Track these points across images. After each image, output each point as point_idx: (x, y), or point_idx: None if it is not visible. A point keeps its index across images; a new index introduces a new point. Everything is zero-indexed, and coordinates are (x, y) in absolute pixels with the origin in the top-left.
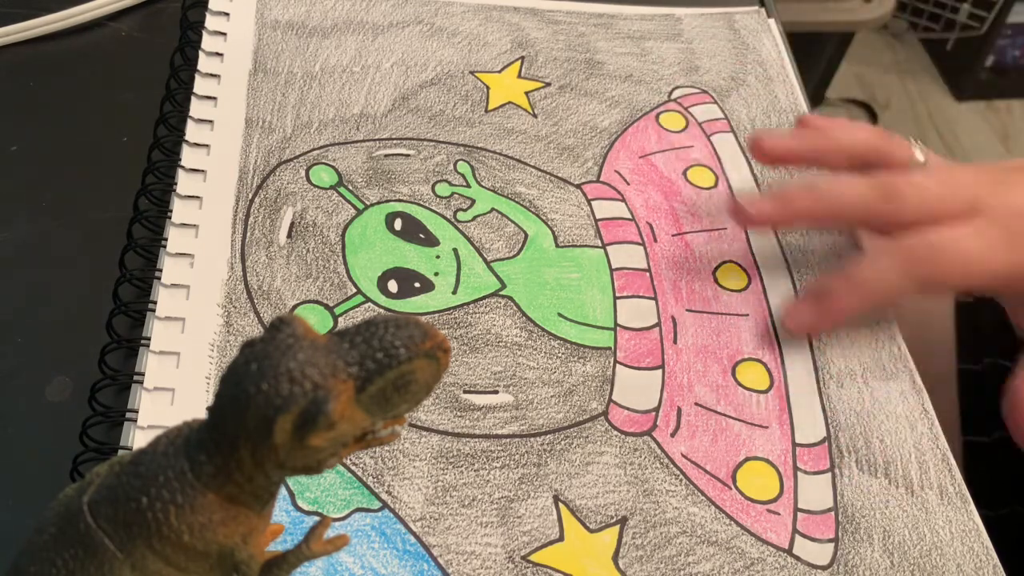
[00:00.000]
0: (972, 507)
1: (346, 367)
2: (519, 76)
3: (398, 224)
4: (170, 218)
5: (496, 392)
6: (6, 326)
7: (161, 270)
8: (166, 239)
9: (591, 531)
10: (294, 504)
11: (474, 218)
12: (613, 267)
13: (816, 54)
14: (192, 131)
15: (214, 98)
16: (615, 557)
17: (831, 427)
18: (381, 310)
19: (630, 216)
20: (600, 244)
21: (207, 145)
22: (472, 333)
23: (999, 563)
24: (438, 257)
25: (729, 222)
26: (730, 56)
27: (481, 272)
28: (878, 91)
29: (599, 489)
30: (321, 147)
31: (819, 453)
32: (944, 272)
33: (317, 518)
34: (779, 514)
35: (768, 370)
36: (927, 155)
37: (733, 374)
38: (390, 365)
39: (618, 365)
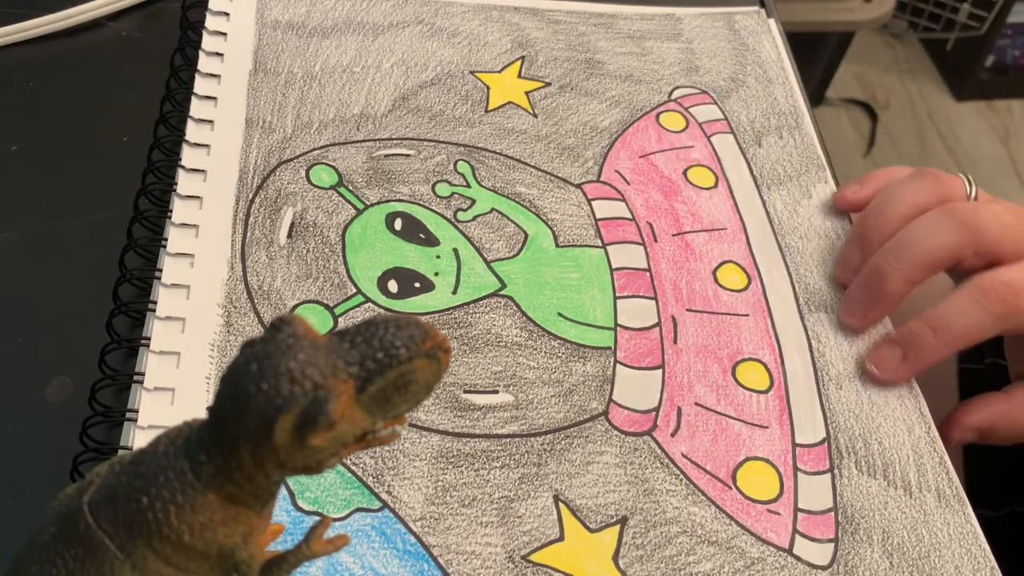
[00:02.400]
0: (969, 510)
1: (346, 367)
2: (519, 76)
3: (398, 224)
4: (170, 218)
5: (496, 392)
6: (6, 326)
7: (161, 270)
8: (166, 239)
9: (591, 531)
10: (294, 504)
11: (474, 218)
12: (613, 267)
13: (816, 54)
14: (192, 131)
15: (214, 98)
16: (615, 557)
17: (831, 428)
18: (381, 310)
19: (630, 216)
20: (600, 244)
21: (207, 145)
22: (472, 333)
23: (996, 565)
24: (438, 257)
25: (729, 222)
26: (730, 56)
27: (481, 272)
28: (878, 91)
29: (599, 489)
30: (321, 147)
31: (819, 454)
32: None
33: (317, 518)
34: (779, 514)
35: (768, 370)
36: (979, 192)
37: (733, 374)
38: (390, 365)
39: (618, 365)
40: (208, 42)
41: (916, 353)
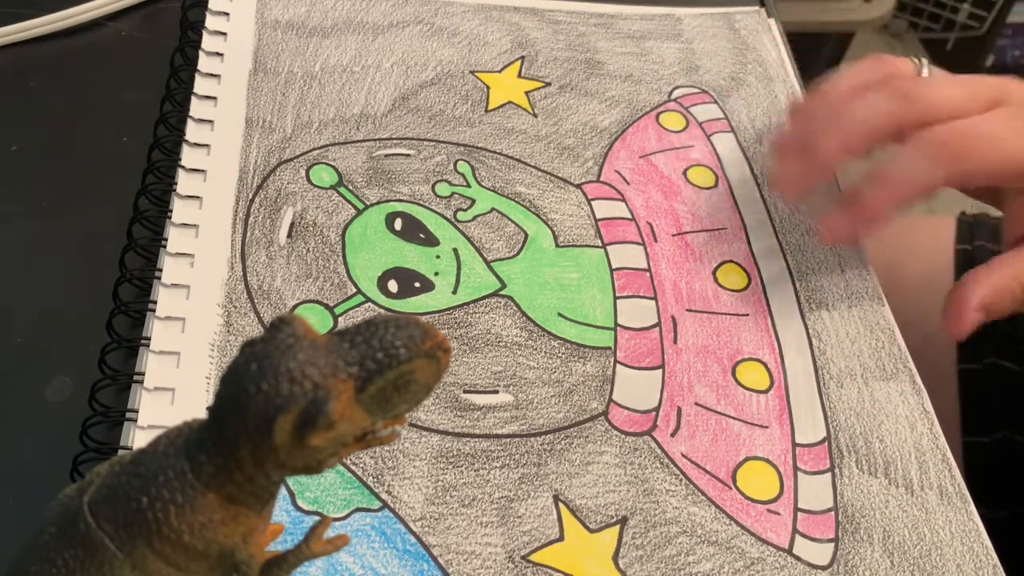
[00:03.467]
0: (972, 507)
1: (346, 367)
2: (519, 76)
3: (398, 224)
4: (170, 218)
5: (496, 392)
6: (6, 326)
7: (161, 270)
8: (166, 239)
9: (591, 531)
10: (294, 504)
11: (474, 218)
12: (613, 267)
13: (816, 54)
14: (192, 131)
15: (214, 98)
16: (615, 557)
17: (831, 427)
18: (381, 310)
19: (630, 216)
20: (600, 244)
21: (207, 145)
22: (472, 333)
23: (999, 563)
24: (438, 257)
25: (729, 222)
26: (730, 56)
27: (481, 272)
28: None
29: (599, 489)
30: (321, 147)
31: (819, 453)
32: (974, 157)
33: (317, 518)
34: (779, 514)
35: (768, 370)
36: (932, 71)
37: (733, 374)
38: (390, 365)
39: (618, 365)
40: (208, 42)
41: (862, 207)
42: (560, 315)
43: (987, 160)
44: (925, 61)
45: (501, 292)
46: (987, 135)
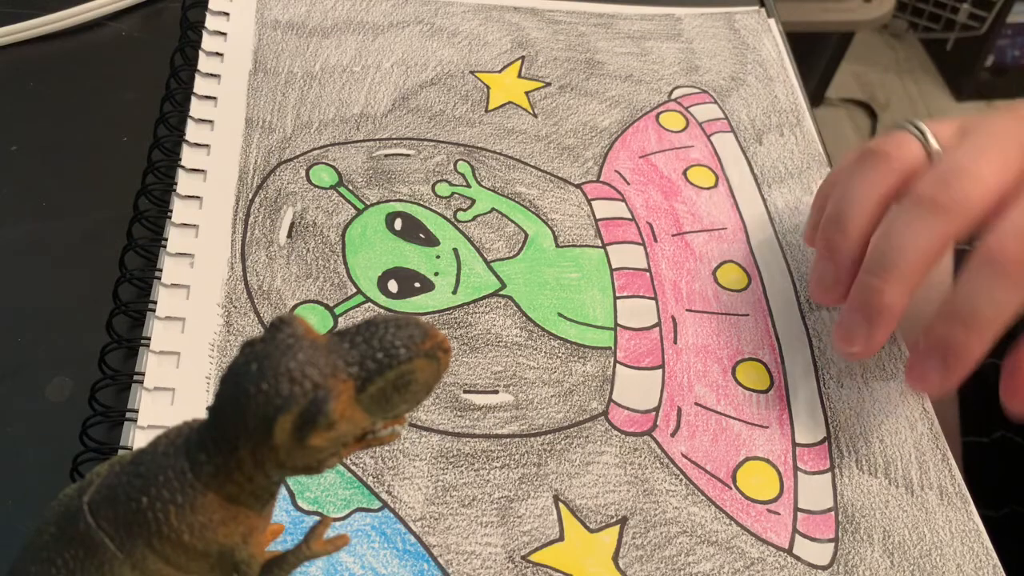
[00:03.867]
0: (972, 507)
1: (346, 367)
2: (519, 76)
3: (398, 224)
4: (170, 218)
5: (496, 392)
6: (6, 326)
7: (161, 270)
8: (166, 239)
9: (591, 531)
10: (294, 504)
11: (474, 218)
12: (613, 267)
13: (816, 54)
14: (192, 131)
15: (214, 98)
16: (615, 557)
17: (831, 427)
18: (381, 310)
19: (630, 216)
20: (600, 244)
21: (207, 145)
22: (472, 333)
23: (999, 563)
24: (438, 257)
25: (729, 222)
26: (730, 56)
27: (481, 272)
28: (878, 91)
29: (599, 489)
30: (321, 147)
31: (819, 453)
32: None
33: (317, 518)
34: (779, 514)
35: (768, 370)
36: (937, 136)
37: (733, 374)
38: (390, 365)
39: (618, 365)
40: (208, 42)
41: (955, 355)
42: (560, 315)
43: None
44: (926, 131)
45: (501, 292)
46: None
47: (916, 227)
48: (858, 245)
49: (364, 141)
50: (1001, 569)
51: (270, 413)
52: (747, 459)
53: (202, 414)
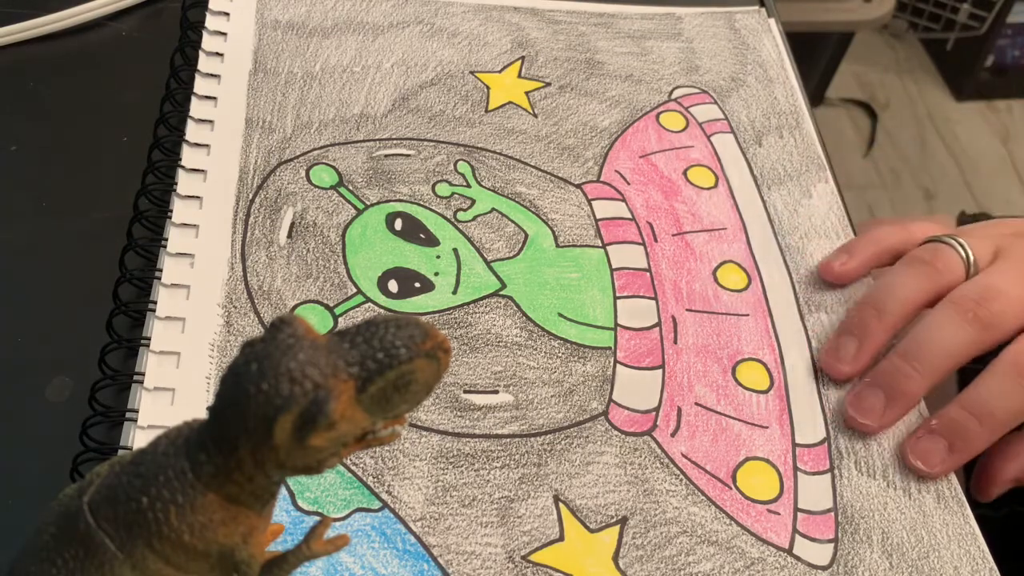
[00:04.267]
0: (968, 511)
1: (346, 367)
2: (519, 76)
3: (398, 224)
4: (170, 218)
5: (496, 392)
6: (6, 326)
7: (161, 270)
8: (166, 239)
9: (591, 531)
10: (294, 504)
11: (474, 218)
12: (613, 267)
13: (816, 54)
14: (192, 131)
15: (214, 98)
16: (615, 557)
17: (831, 428)
18: (381, 310)
19: (630, 216)
20: (600, 244)
21: (207, 145)
22: (472, 333)
23: (995, 566)
24: (438, 257)
25: (729, 222)
26: (730, 56)
27: (481, 272)
28: (878, 91)
29: (599, 489)
30: (321, 147)
31: (819, 454)
32: None
33: (317, 518)
34: (779, 514)
35: (768, 370)
36: (974, 251)
37: (733, 374)
38: (390, 365)
39: (618, 365)
40: (208, 42)
41: (963, 445)
42: (560, 315)
43: None
44: (966, 245)
45: (501, 292)
46: None
47: (953, 331)
48: (888, 334)
49: (364, 141)
50: (997, 572)
51: (270, 413)
52: (747, 459)
53: (202, 414)
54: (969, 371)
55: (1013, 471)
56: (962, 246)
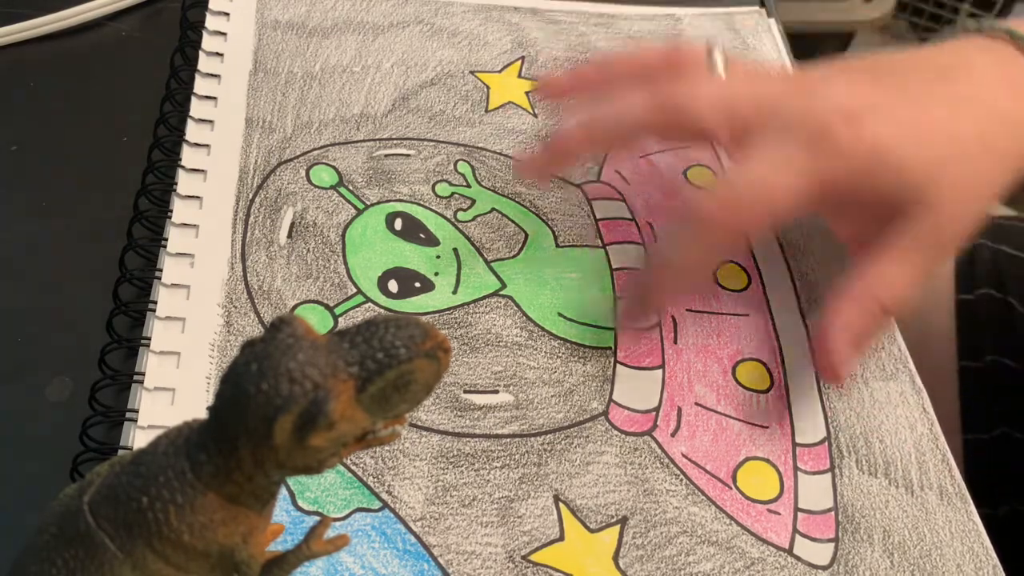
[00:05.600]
0: (972, 507)
1: (346, 367)
2: (519, 76)
3: (398, 224)
4: (170, 218)
5: (496, 392)
6: (6, 326)
7: (161, 270)
8: (166, 239)
9: (591, 531)
10: (294, 504)
11: (474, 218)
12: (613, 267)
13: (816, 54)
14: (192, 131)
15: (214, 98)
16: (615, 557)
17: (831, 427)
18: (381, 310)
19: (630, 216)
20: (600, 244)
21: (207, 145)
22: (472, 333)
23: (999, 563)
24: (438, 257)
25: None
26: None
27: (481, 272)
28: None
29: (599, 489)
30: (321, 147)
31: (819, 453)
32: (750, 222)
33: (317, 518)
34: (779, 514)
35: (768, 370)
36: (729, 63)
37: (733, 374)
38: (390, 365)
39: (618, 365)
40: (208, 42)
41: (649, 299)
42: (560, 315)
43: (764, 212)
44: (717, 51)
45: (501, 292)
46: (758, 185)
47: (631, 104)
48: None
49: (364, 141)
50: (1000, 569)
51: (270, 413)
52: (747, 459)
53: (202, 414)
54: (970, 369)
55: (843, 344)
56: (720, 56)
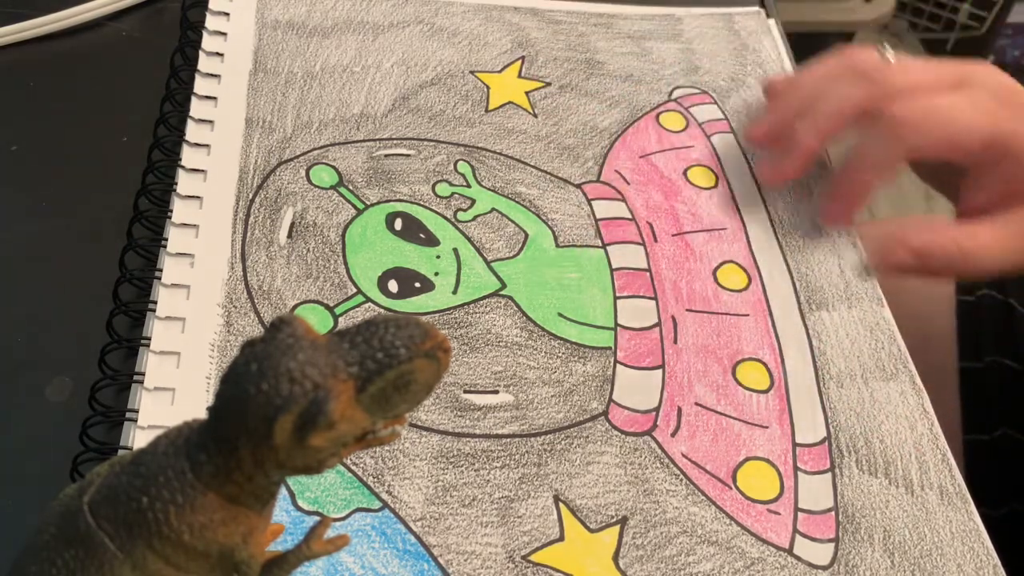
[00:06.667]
0: (972, 507)
1: (346, 367)
2: (519, 76)
3: (398, 224)
4: (170, 218)
5: (496, 392)
6: (6, 326)
7: (161, 270)
8: (166, 239)
9: (591, 531)
10: (294, 504)
11: (474, 218)
12: (613, 267)
13: (816, 54)
14: (192, 131)
15: (214, 98)
16: (615, 557)
17: (831, 427)
18: (381, 310)
19: (630, 216)
20: (600, 244)
21: (207, 145)
22: (472, 333)
23: (999, 563)
24: (438, 257)
25: (729, 222)
26: (730, 56)
27: (481, 272)
28: None
29: (599, 489)
30: (321, 147)
31: (819, 453)
32: (932, 129)
33: (317, 518)
34: (779, 514)
35: (768, 370)
36: (898, 56)
37: (733, 374)
38: (390, 365)
39: (618, 365)
40: (208, 42)
41: (842, 191)
42: (560, 315)
43: (943, 131)
44: (888, 47)
45: (501, 292)
46: (945, 108)
47: (844, 86)
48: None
49: (364, 141)
50: (1001, 569)
51: (270, 413)
52: (747, 459)
53: (202, 414)
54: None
55: (919, 241)
56: (883, 46)
